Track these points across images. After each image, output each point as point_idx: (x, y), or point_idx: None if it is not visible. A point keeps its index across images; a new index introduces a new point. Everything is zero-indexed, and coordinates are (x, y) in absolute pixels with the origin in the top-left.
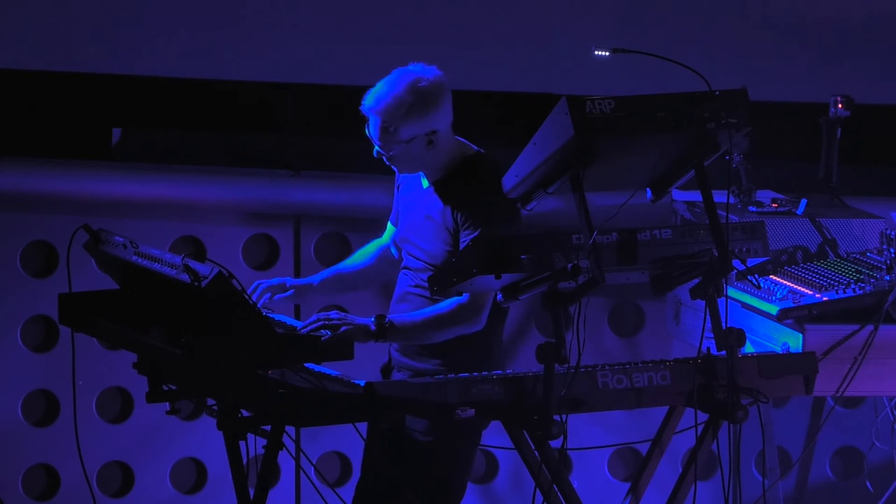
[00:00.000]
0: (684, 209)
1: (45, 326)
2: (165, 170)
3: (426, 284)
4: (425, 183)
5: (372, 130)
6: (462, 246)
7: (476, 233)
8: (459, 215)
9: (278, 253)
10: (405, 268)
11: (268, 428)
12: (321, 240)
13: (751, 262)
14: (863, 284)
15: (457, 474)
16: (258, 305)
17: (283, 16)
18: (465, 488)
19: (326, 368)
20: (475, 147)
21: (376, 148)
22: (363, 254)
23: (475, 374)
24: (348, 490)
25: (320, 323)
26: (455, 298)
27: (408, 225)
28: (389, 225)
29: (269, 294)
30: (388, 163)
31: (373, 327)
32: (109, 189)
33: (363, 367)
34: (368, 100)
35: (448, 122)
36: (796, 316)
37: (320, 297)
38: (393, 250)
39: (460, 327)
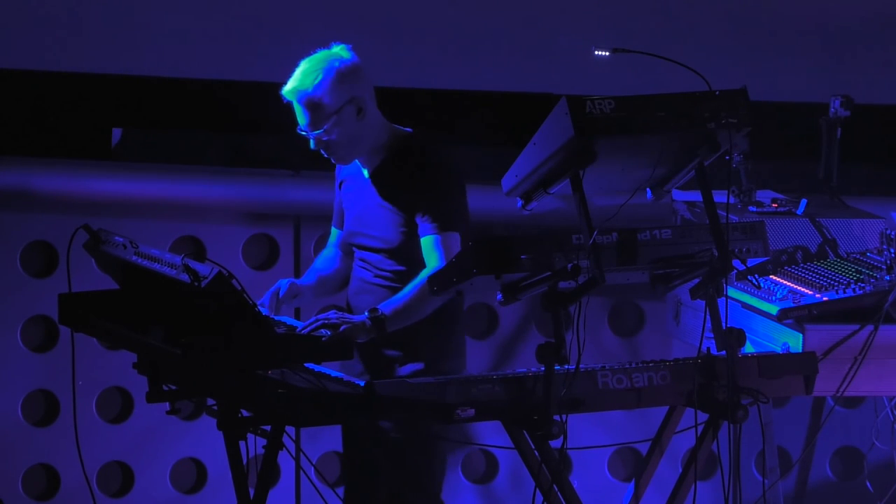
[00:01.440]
0: (684, 209)
1: (45, 326)
2: (165, 170)
3: (388, 273)
4: (366, 172)
5: (301, 119)
6: (420, 229)
7: (429, 213)
8: (408, 197)
9: (278, 253)
10: (361, 260)
11: (268, 428)
12: (321, 240)
13: (751, 262)
14: (863, 284)
15: (431, 460)
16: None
17: (283, 16)
18: (444, 473)
19: (326, 368)
20: (407, 129)
21: (311, 137)
22: (326, 259)
23: (475, 374)
24: None
25: (320, 323)
26: (424, 270)
27: (356, 218)
28: (333, 229)
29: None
30: (326, 154)
31: (369, 322)
32: (109, 189)
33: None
34: (287, 88)
35: (371, 92)
36: (796, 316)
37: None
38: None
39: None
